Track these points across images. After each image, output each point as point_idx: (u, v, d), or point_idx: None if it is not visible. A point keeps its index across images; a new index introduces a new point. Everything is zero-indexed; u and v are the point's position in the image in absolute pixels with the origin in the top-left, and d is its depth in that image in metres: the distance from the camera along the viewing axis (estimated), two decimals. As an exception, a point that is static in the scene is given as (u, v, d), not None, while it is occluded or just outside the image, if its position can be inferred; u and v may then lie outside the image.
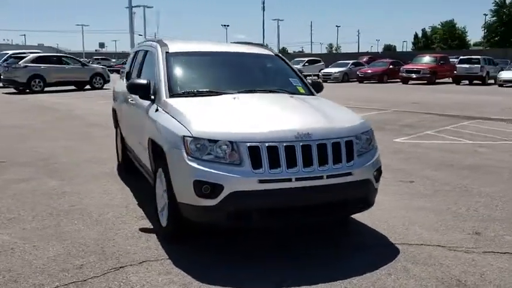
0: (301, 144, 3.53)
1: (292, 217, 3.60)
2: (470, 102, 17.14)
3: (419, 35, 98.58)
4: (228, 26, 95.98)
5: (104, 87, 23.36)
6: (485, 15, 79.92)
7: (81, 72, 22.88)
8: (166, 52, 4.84)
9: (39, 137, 9.44)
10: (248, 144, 3.45)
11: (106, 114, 13.59)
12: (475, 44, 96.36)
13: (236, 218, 3.48)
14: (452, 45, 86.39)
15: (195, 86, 4.59)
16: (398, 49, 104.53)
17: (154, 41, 5.35)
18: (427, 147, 8.45)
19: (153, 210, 4.31)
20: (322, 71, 34.56)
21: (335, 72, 32.87)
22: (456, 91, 23.56)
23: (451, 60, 31.99)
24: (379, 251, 3.92)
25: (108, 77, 24.01)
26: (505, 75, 26.91)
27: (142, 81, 4.54)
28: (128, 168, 6.33)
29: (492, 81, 28.74)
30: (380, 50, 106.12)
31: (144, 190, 5.46)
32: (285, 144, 3.49)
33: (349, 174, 3.67)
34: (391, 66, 31.55)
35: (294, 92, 4.82)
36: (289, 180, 3.47)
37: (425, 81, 28.68)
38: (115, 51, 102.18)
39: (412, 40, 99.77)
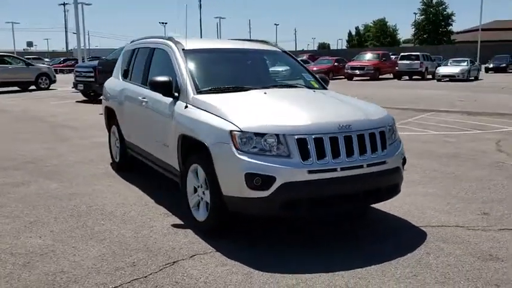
0: (343, 135, 3.73)
1: (337, 205, 3.79)
2: (419, 96, 18.14)
3: (353, 33, 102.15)
4: (166, 23, 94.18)
5: (50, 88, 22.44)
6: (415, 14, 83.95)
7: (25, 72, 21.80)
8: (183, 49, 4.87)
9: (9, 139, 9.01)
10: (296, 137, 3.60)
11: (65, 114, 13.26)
12: (405, 41, 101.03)
13: (287, 208, 3.62)
14: (385, 42, 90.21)
15: (218, 83, 4.66)
16: (333, 47, 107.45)
17: (163, 38, 5.34)
18: (402, 138, 8.92)
19: (185, 207, 4.35)
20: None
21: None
22: (401, 86, 24.78)
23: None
24: (407, 233, 4.21)
25: (54, 77, 23.05)
26: (443, 70, 28.69)
27: (165, 78, 4.54)
28: (126, 167, 6.28)
29: (430, 76, 30.50)
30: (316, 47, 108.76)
31: (151, 188, 5.51)
32: (329, 136, 3.68)
33: (384, 162, 3.92)
34: (335, 64, 32.59)
35: (309, 86, 5.03)
36: (335, 170, 3.66)
37: (369, 78, 29.89)
38: (47, 50, 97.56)
39: (347, 38, 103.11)
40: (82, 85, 16.01)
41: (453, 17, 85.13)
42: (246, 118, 3.73)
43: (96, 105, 15.41)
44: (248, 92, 4.46)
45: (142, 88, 5.35)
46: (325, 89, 5.16)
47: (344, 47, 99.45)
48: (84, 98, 17.06)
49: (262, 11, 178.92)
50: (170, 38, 5.18)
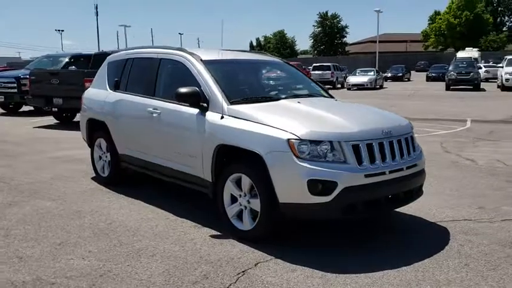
0: (387, 140, 4.03)
1: (385, 207, 4.08)
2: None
3: (254, 43, 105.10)
4: (62, 31, 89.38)
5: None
6: (314, 26, 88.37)
7: None
8: (201, 60, 4.87)
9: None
10: (351, 143, 3.83)
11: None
12: (303, 52, 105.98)
13: (347, 212, 3.82)
14: (284, 53, 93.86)
15: (244, 92, 4.74)
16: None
17: (171, 49, 5.26)
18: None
19: (225, 218, 4.35)
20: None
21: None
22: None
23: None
24: (429, 230, 4.59)
25: None
26: (353, 79, 30.70)
27: (193, 89, 4.52)
28: (115, 181, 6.04)
29: (339, 85, 32.43)
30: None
31: (157, 200, 5.41)
32: (378, 142, 3.96)
33: (416, 165, 4.28)
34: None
35: (322, 95, 5.28)
36: (384, 173, 3.94)
37: (284, 87, 30.89)
38: None
39: (248, 49, 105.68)
40: (2, 97, 14.77)
41: (347, 29, 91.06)
42: (300, 126, 3.87)
43: (21, 117, 14.36)
44: (279, 101, 4.60)
45: (150, 99, 5.22)
46: (333, 98, 5.44)
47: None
48: (3, 111, 15.77)
49: (166, 20, 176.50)
50: (182, 49, 5.14)
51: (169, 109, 4.90)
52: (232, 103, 4.42)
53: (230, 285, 3.38)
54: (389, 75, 41.80)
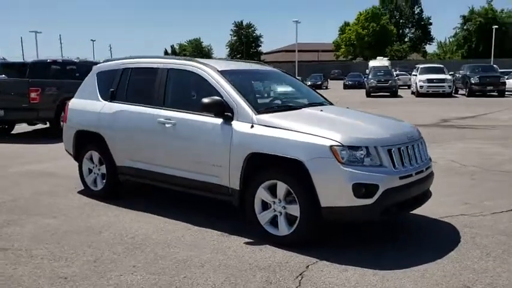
0: (412, 144, 4.38)
1: (410, 207, 4.40)
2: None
3: (169, 51, 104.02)
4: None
5: None
6: (231, 34, 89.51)
7: None
8: (218, 70, 4.93)
9: None
10: (387, 148, 4.12)
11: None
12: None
13: (384, 213, 4.09)
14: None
15: (266, 102, 4.87)
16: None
17: (181, 59, 5.26)
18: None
19: (256, 225, 4.45)
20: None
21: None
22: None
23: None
24: (437, 226, 5.00)
25: None
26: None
27: (218, 99, 4.58)
28: (112, 195, 5.86)
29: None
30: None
31: (164, 210, 5.38)
32: (405, 146, 4.29)
33: (430, 167, 4.69)
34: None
35: (329, 103, 5.54)
36: (411, 175, 4.28)
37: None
38: None
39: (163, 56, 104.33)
40: None
41: (261, 39, 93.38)
42: (340, 134, 4.09)
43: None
44: (302, 110, 4.80)
45: (159, 109, 5.15)
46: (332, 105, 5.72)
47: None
48: None
49: (76, 26, 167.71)
50: (194, 60, 5.16)
51: (186, 119, 4.89)
52: (259, 112, 4.54)
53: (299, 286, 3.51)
54: (309, 83, 43.37)
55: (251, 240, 4.44)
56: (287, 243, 4.26)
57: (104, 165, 5.83)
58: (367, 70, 42.74)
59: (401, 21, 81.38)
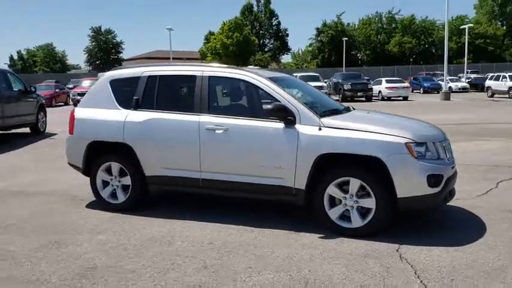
0: (447, 142, 5.15)
1: (450, 197, 5.12)
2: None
3: (15, 57, 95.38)
4: None
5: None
6: (89, 40, 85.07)
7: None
8: (269, 78, 5.18)
9: None
10: (442, 144, 4.83)
11: None
12: (76, 67, 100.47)
13: (445, 200, 4.81)
14: (55, 68, 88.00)
15: (317, 106, 5.27)
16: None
17: (223, 67, 5.37)
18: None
19: (327, 221, 4.80)
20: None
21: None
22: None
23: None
24: (451, 211, 5.81)
25: None
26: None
27: (281, 105, 4.88)
28: (136, 205, 5.67)
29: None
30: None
31: (210, 218, 5.40)
32: (447, 142, 5.05)
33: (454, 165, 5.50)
34: (57, 90, 30.62)
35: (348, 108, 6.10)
36: (454, 167, 5.05)
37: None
38: None
39: (9, 63, 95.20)
40: None
41: (122, 45, 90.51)
42: (408, 132, 4.67)
43: None
44: (352, 112, 5.35)
45: (204, 116, 5.18)
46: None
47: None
48: None
49: None
50: (239, 68, 5.33)
51: (242, 125, 5.03)
52: (322, 116, 4.91)
53: (412, 267, 3.99)
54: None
55: (322, 235, 4.77)
56: (362, 234, 4.69)
57: (128, 176, 5.60)
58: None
59: (261, 32, 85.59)
